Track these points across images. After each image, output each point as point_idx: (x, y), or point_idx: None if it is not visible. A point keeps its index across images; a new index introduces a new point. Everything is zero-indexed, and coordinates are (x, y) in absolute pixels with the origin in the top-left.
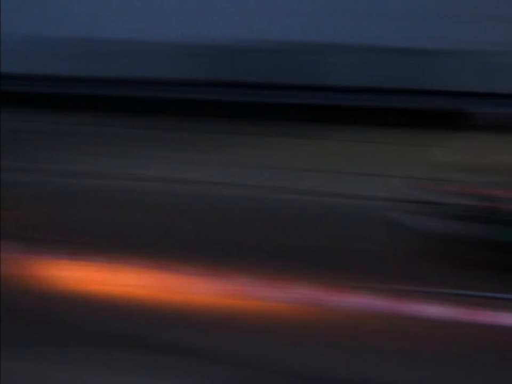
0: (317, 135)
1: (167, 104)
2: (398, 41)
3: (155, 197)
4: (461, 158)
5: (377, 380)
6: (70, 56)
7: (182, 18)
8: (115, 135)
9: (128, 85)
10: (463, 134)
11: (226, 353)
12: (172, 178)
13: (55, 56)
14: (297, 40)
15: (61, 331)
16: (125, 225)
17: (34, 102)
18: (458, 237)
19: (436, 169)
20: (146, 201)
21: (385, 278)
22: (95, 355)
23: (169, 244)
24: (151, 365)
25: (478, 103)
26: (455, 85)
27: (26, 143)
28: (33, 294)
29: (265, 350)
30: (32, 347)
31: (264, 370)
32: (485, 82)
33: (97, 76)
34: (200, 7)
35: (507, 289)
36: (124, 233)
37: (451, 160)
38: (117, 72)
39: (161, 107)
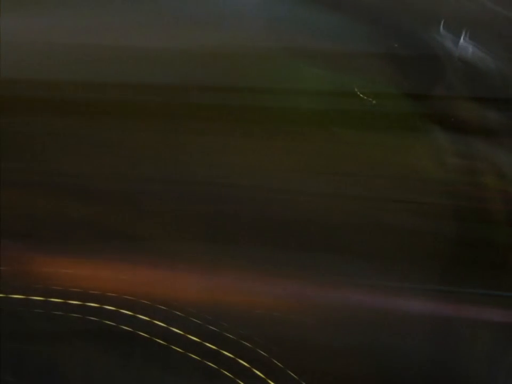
0: (304, 136)
1: (162, 107)
2: (380, 45)
3: (151, 197)
4: (446, 159)
5: (367, 375)
6: (69, 61)
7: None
8: (113, 137)
9: (125, 88)
10: (448, 135)
11: (219, 348)
12: (164, 178)
13: (53, 61)
14: (286, 46)
15: (60, 328)
16: (122, 224)
17: (34, 105)
18: (445, 235)
19: (422, 169)
20: (142, 201)
21: (375, 275)
22: (93, 350)
23: (163, 242)
24: (148, 360)
25: (464, 107)
26: (440, 89)
27: (26, 144)
28: (32, 291)
29: (258, 345)
30: (31, 343)
31: (257, 365)
32: (471, 86)
33: (94, 80)
34: (191, 13)
35: (494, 286)
36: (121, 232)
37: (437, 160)
38: (113, 77)
39: (156, 110)
